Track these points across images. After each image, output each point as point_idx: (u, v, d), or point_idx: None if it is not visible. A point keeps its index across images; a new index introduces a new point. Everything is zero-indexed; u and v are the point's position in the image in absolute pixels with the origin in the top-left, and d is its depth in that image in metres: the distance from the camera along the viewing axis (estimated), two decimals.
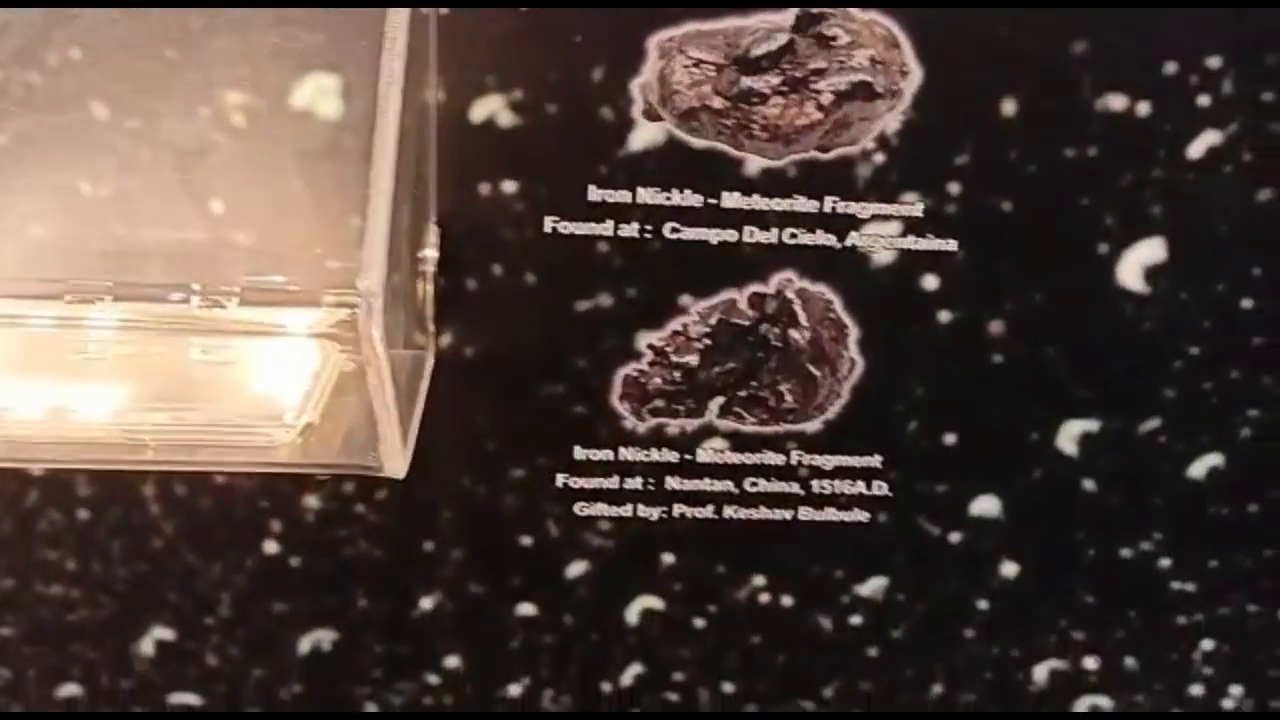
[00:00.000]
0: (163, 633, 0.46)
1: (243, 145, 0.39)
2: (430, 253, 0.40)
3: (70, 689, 0.46)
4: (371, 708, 0.48)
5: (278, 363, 0.34)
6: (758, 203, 0.42)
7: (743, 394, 0.45)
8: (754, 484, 0.46)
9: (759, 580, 0.48)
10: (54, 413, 0.31)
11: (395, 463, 0.31)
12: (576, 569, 0.47)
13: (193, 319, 0.29)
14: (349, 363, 0.33)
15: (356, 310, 0.27)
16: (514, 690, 0.49)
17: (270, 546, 0.45)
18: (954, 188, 0.43)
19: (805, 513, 0.47)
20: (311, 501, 0.44)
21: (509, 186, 0.41)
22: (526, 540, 0.46)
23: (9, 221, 0.39)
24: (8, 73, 0.37)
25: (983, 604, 0.50)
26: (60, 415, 0.31)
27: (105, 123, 0.38)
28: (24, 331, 0.34)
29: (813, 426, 0.46)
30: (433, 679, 0.48)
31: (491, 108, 0.40)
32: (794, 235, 0.43)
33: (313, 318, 0.29)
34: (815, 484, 0.47)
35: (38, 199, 0.39)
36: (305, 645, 0.47)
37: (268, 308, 0.29)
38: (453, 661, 0.48)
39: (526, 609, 0.47)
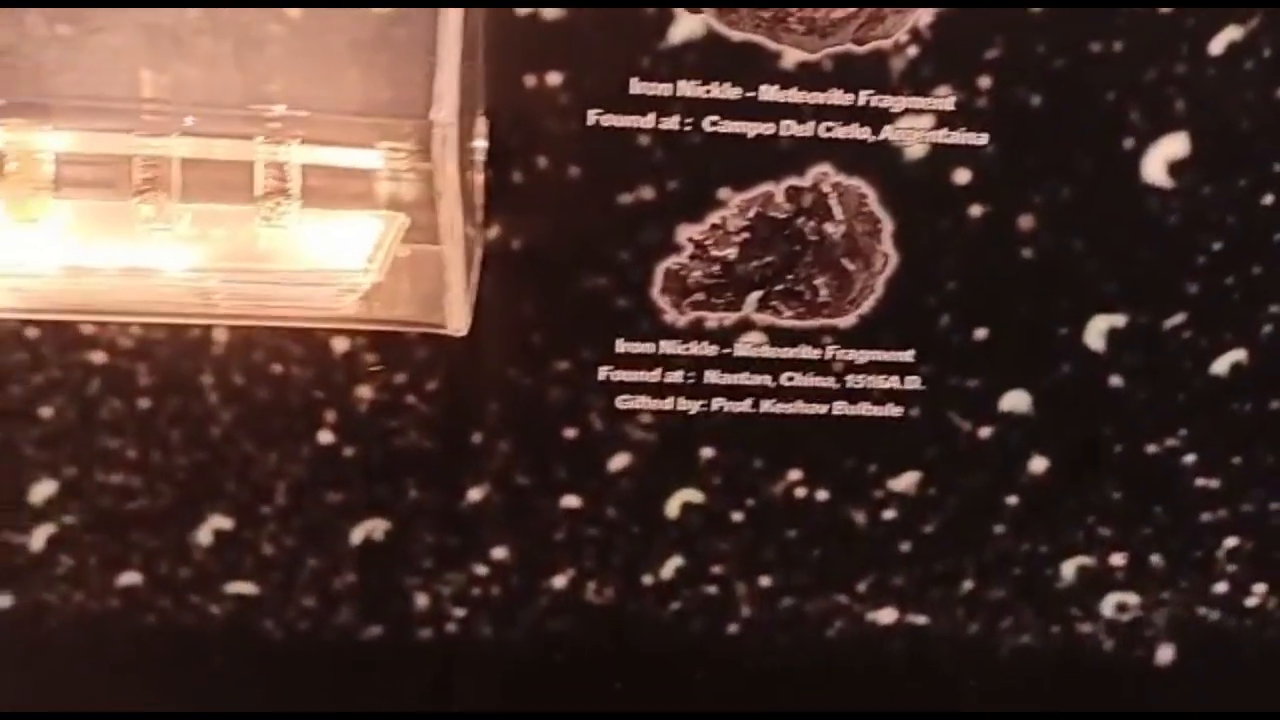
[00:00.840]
0: (220, 521, 0.48)
1: (299, 37, 0.40)
2: (480, 143, 0.42)
3: (130, 577, 0.48)
4: (422, 598, 0.50)
5: (342, 229, 0.36)
6: (794, 96, 0.43)
7: (779, 288, 0.46)
8: (790, 378, 0.48)
9: (795, 475, 0.50)
10: (129, 272, 0.33)
11: (458, 317, 0.33)
12: (618, 462, 0.49)
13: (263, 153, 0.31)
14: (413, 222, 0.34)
15: (433, 134, 0.29)
16: (558, 582, 0.50)
17: (325, 437, 0.47)
18: (984, 81, 0.44)
19: (840, 407, 0.48)
20: (365, 392, 0.46)
21: (554, 78, 0.42)
22: (570, 433, 0.48)
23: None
24: None
25: (1012, 499, 0.51)
26: (134, 274, 0.33)
27: (170, 15, 0.40)
28: (97, 202, 0.36)
29: (847, 321, 0.47)
30: (480, 570, 0.50)
31: None
32: (829, 129, 0.44)
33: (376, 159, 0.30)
34: (849, 379, 0.48)
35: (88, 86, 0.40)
36: (358, 535, 0.48)
37: (336, 147, 0.31)
38: (500, 553, 0.49)
39: (571, 501, 0.49)
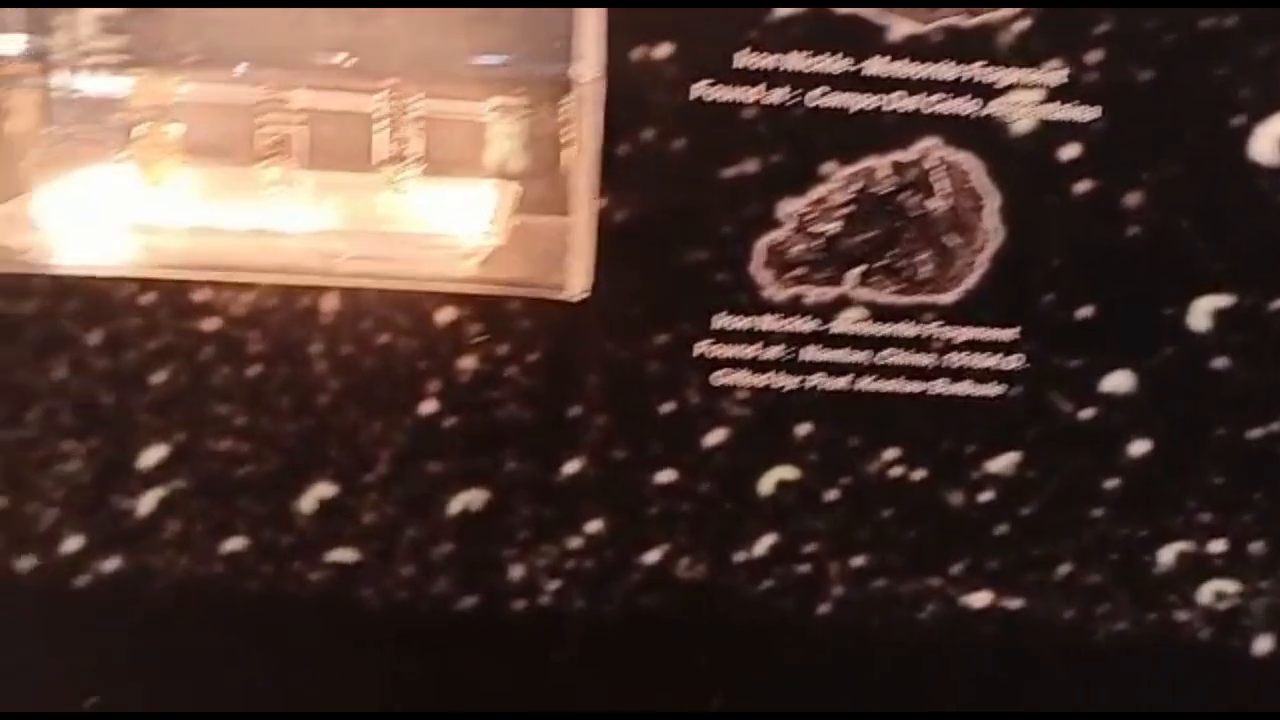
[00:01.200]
0: (324, 489, 0.48)
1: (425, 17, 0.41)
2: None
3: (235, 543, 0.49)
4: (517, 570, 0.50)
5: (457, 195, 0.36)
6: (900, 69, 0.43)
7: (880, 264, 0.46)
8: (889, 356, 0.48)
9: (891, 453, 0.49)
10: (256, 233, 0.34)
11: (580, 279, 0.33)
12: (714, 437, 0.49)
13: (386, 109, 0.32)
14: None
15: (575, 92, 0.29)
16: (651, 556, 0.50)
17: (427, 406, 0.47)
18: (1094, 56, 0.44)
19: (939, 385, 0.48)
20: (468, 363, 0.47)
21: (661, 51, 0.43)
22: (667, 407, 0.48)
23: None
24: None
25: (1112, 483, 0.50)
26: (261, 235, 0.34)
27: None
28: (224, 170, 0.36)
29: (949, 298, 0.47)
30: (574, 543, 0.50)
31: None
32: (936, 102, 0.44)
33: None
34: (950, 356, 0.48)
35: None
36: (456, 505, 0.49)
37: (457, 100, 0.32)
38: (594, 526, 0.50)
39: (665, 476, 0.49)
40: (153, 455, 0.47)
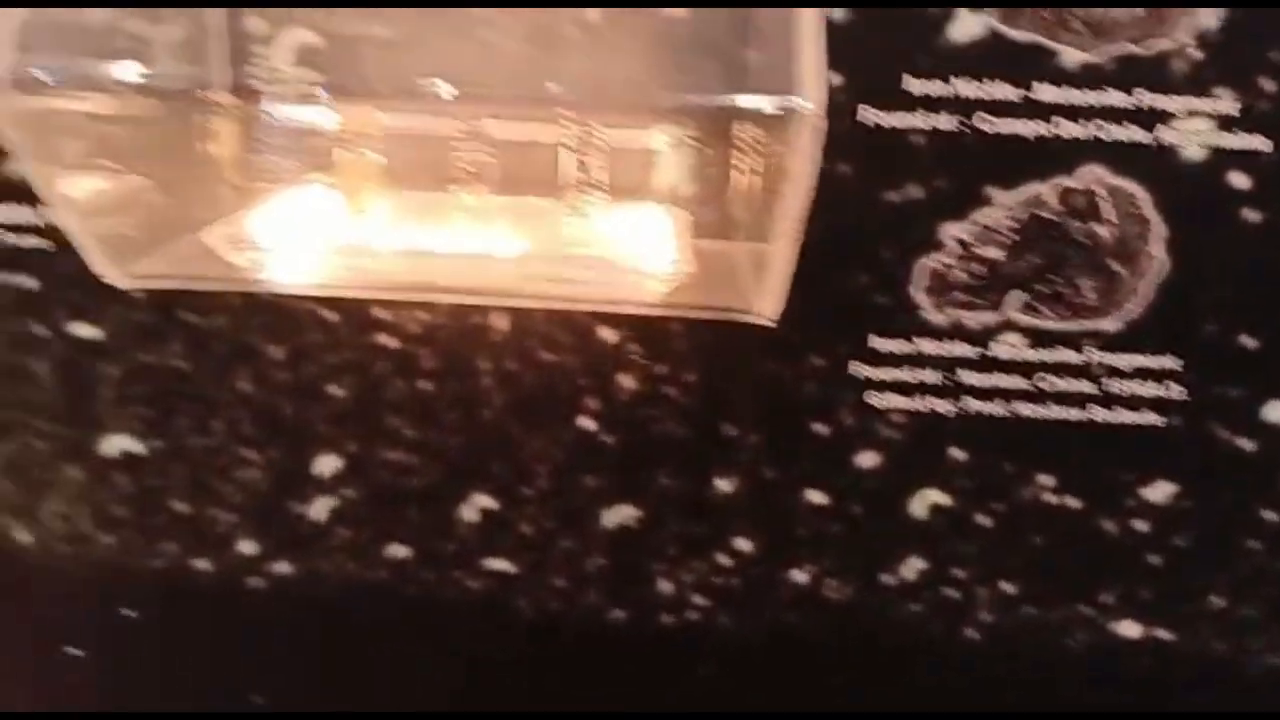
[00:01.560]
0: (485, 500, 0.50)
1: (590, 30, 0.42)
2: None
3: (399, 550, 0.51)
4: (666, 585, 0.51)
5: (638, 220, 0.38)
6: (1071, 95, 0.43)
7: (1043, 289, 0.46)
8: (1048, 381, 0.47)
9: (1046, 480, 0.49)
10: (460, 255, 0.35)
11: (775, 304, 0.34)
12: (867, 459, 0.49)
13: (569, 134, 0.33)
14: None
15: (797, 123, 0.30)
16: (799, 576, 0.51)
17: (586, 423, 0.49)
18: (1269, 85, 0.43)
19: (1097, 413, 0.48)
20: (626, 382, 0.48)
21: (830, 76, 0.43)
22: (820, 428, 0.48)
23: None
24: None
25: (1270, 515, 0.49)
26: (465, 258, 0.35)
27: (481, 17, 0.42)
28: (419, 194, 0.38)
29: (1111, 325, 0.47)
30: (723, 560, 0.51)
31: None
32: (1105, 129, 0.44)
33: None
34: (1109, 384, 0.47)
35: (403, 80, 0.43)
36: (611, 520, 0.50)
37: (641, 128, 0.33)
38: (743, 544, 0.51)
39: (816, 496, 0.50)
40: (327, 464, 0.49)
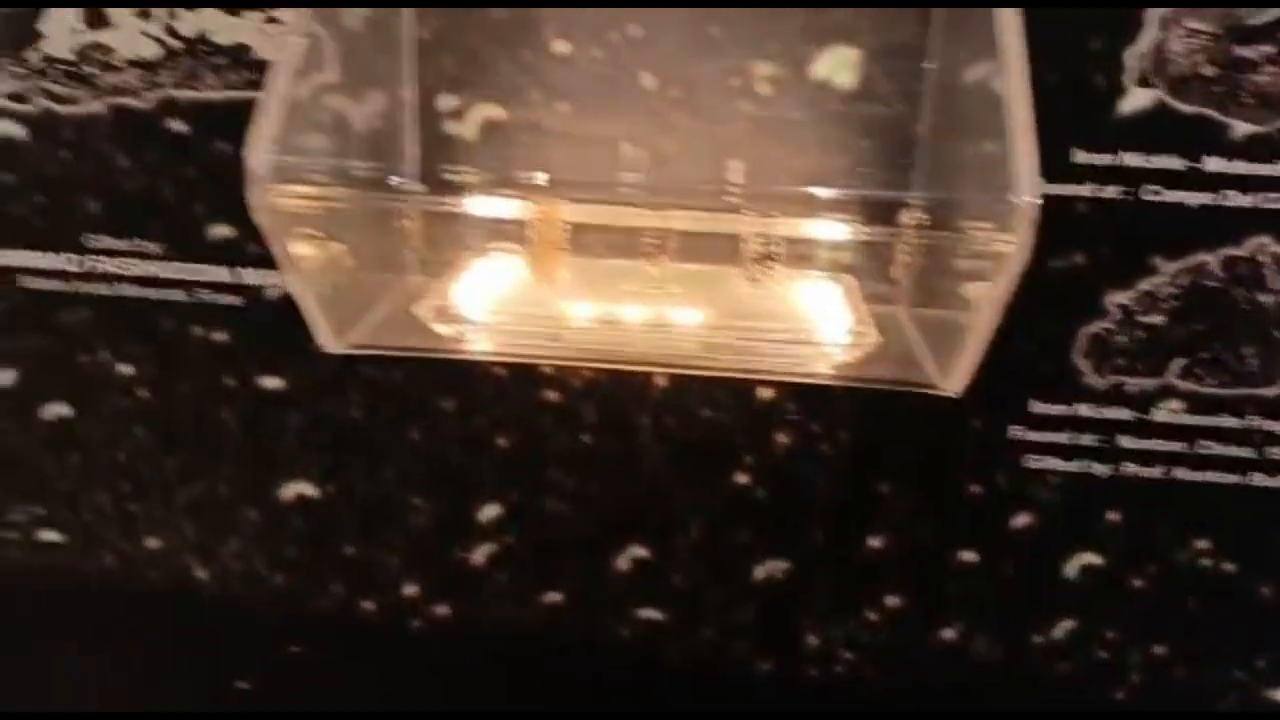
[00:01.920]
0: (639, 550, 0.51)
1: (766, 111, 0.44)
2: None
3: (554, 596, 0.52)
4: (813, 638, 0.52)
5: (812, 291, 0.39)
6: (1239, 167, 0.43)
7: (1205, 356, 0.46)
8: (1206, 446, 0.47)
9: (1202, 544, 0.49)
10: (649, 325, 0.37)
11: (960, 379, 0.35)
12: (1021, 520, 0.49)
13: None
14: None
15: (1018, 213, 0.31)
16: (947, 634, 0.51)
17: (741, 478, 0.50)
18: None
19: (1257, 478, 0.48)
20: (782, 438, 0.49)
21: (991, 147, 0.44)
22: (976, 489, 0.49)
23: (560, 174, 0.45)
24: (579, 48, 0.44)
25: None
26: (653, 328, 0.37)
27: (651, 91, 0.44)
28: (604, 264, 0.40)
29: (1272, 392, 0.46)
30: (872, 616, 0.51)
31: (984, 72, 0.43)
32: (1272, 200, 0.44)
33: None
34: (1270, 449, 0.47)
35: (585, 156, 0.45)
36: (761, 573, 0.51)
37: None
38: (893, 601, 0.51)
39: (968, 555, 0.50)
40: (489, 512, 0.51)
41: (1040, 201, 0.32)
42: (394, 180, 0.41)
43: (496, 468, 0.50)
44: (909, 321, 0.41)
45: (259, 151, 0.32)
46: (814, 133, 0.43)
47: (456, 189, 0.39)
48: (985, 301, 0.33)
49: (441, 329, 0.37)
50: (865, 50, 0.43)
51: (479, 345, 0.37)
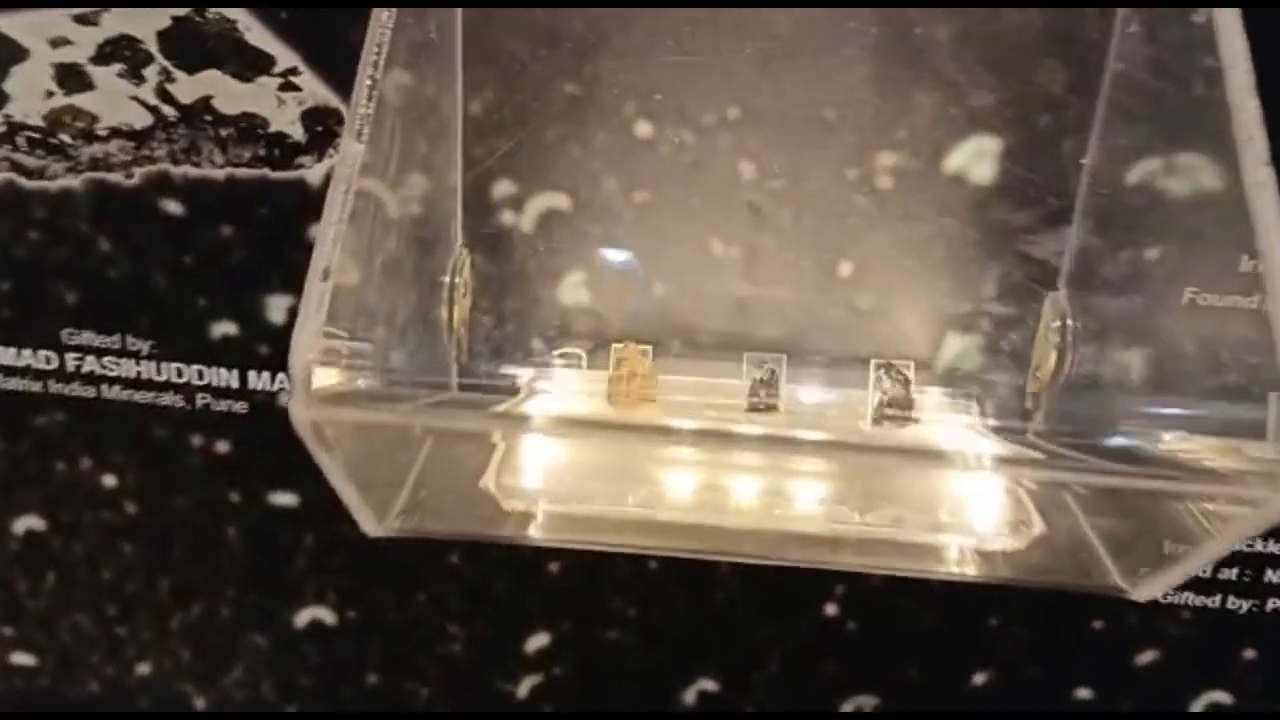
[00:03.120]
0: (707, 684, 0.45)
1: (886, 208, 0.37)
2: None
3: None
4: None
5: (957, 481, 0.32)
6: None
7: None
8: None
9: None
10: (758, 505, 0.30)
11: (1152, 590, 0.29)
12: (1146, 657, 0.43)
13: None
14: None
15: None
16: None
17: (830, 609, 0.43)
18: None
19: None
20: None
21: (1151, 254, 0.37)
22: (1098, 624, 0.43)
23: (634, 276, 0.38)
24: (661, 130, 0.36)
25: None
26: (764, 508, 0.30)
27: (749, 181, 0.37)
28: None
29: None
30: None
31: (1151, 169, 0.36)
32: None
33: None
34: None
35: (666, 255, 0.38)
36: (849, 706, 0.45)
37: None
38: None
39: (1083, 693, 0.44)
40: (537, 642, 0.45)
41: None
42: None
43: (549, 594, 0.44)
44: (1073, 501, 0.34)
45: (304, 350, 0.24)
46: (940, 234, 0.36)
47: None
48: (1223, 538, 0.26)
49: (512, 505, 0.30)
50: (1009, 142, 0.36)
51: (552, 531, 0.30)
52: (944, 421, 0.34)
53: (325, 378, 0.25)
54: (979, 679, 0.44)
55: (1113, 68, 0.35)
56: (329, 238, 0.28)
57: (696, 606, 0.44)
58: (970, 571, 0.30)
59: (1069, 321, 0.37)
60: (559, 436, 0.29)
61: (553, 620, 0.44)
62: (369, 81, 0.31)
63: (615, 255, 0.37)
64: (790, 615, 0.44)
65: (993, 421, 0.36)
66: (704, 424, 0.28)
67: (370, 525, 0.29)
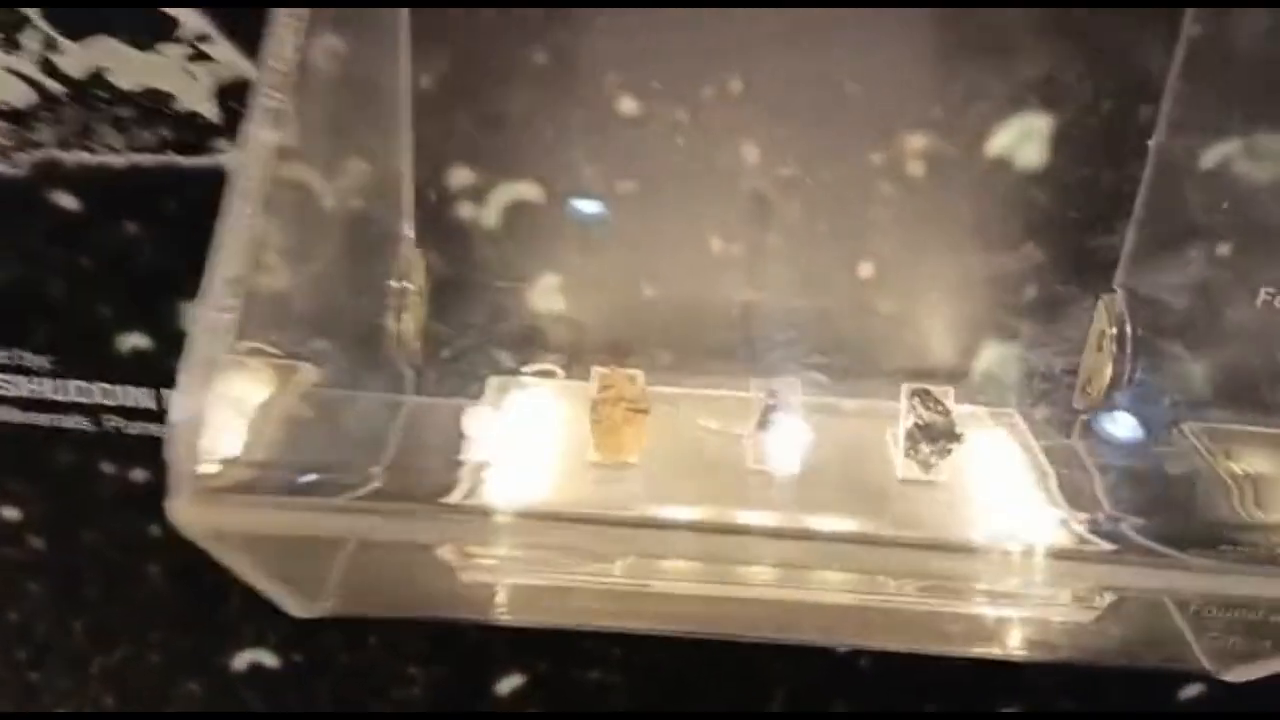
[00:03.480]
0: None
1: (915, 199, 0.31)
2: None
3: None
4: None
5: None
6: None
7: None
8: None
9: None
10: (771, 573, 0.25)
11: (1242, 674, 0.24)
12: (1191, 690, 0.39)
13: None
14: None
15: None
16: None
17: (842, 647, 0.38)
18: None
19: None
20: None
21: (1222, 249, 0.32)
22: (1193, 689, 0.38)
23: (618, 277, 0.32)
24: (650, 107, 0.30)
25: None
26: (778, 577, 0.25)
27: (754, 167, 0.31)
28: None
29: None
30: None
31: (1227, 152, 0.31)
32: None
33: None
34: None
35: (657, 254, 0.32)
36: None
37: None
38: None
39: None
40: (509, 684, 0.40)
41: None
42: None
43: (517, 634, 0.38)
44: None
45: (186, 436, 0.19)
46: (978, 229, 0.31)
47: None
48: None
49: (471, 578, 0.25)
50: (1062, 119, 0.30)
51: (520, 610, 0.24)
52: (986, 454, 0.29)
53: (223, 443, 0.19)
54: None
55: (1188, 30, 0.29)
56: (227, 246, 0.22)
57: (687, 642, 0.39)
58: (1023, 653, 0.25)
59: (1126, 328, 0.32)
60: (524, 543, 0.23)
61: (526, 660, 0.39)
62: (291, 45, 0.25)
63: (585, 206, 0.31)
64: (800, 653, 0.39)
65: (1043, 442, 0.31)
66: (703, 513, 0.23)
67: (297, 608, 0.24)
